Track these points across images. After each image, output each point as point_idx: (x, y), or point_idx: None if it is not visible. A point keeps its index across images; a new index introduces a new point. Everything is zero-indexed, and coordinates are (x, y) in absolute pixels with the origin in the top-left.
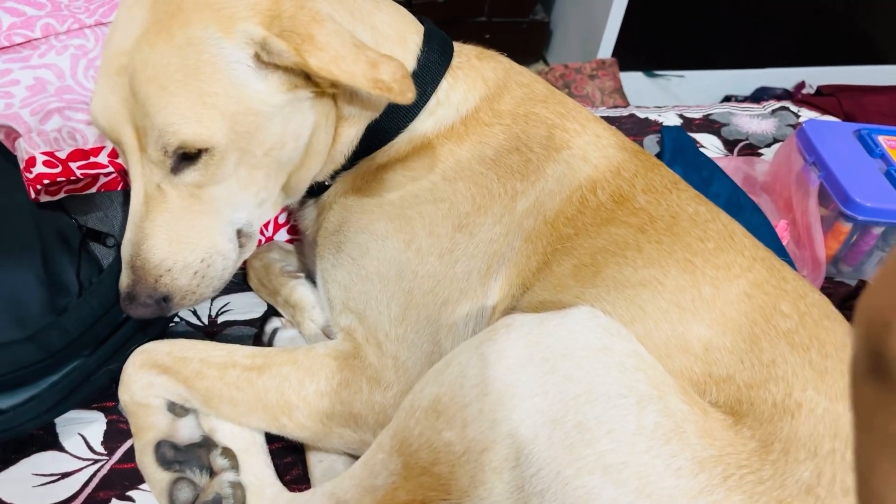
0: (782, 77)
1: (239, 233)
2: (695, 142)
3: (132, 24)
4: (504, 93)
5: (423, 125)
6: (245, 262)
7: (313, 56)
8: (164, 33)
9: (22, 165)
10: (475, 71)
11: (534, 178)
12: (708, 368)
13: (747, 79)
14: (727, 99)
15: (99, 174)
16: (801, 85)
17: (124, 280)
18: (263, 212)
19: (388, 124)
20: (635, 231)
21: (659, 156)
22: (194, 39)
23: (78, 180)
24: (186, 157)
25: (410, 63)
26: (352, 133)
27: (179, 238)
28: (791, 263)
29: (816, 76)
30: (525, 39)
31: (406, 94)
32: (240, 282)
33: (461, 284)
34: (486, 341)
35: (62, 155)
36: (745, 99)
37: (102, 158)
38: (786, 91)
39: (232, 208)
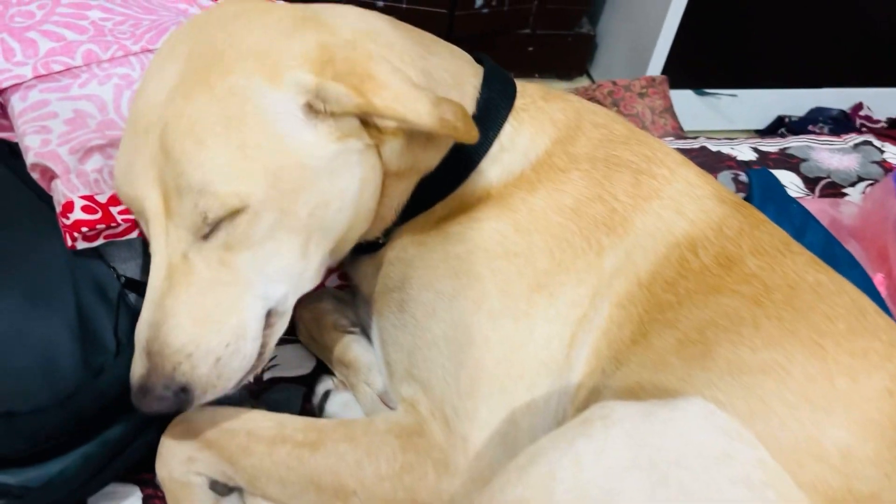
0: (838, 97)
1: (270, 313)
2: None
3: (164, 79)
4: (578, 135)
5: (486, 175)
6: (294, 312)
7: (376, 95)
8: (202, 84)
9: (58, 210)
10: (542, 112)
11: (622, 232)
12: (848, 483)
13: (802, 98)
14: (780, 119)
15: None
16: (859, 106)
17: (137, 369)
18: (303, 284)
19: (444, 176)
20: (749, 303)
21: (746, 200)
22: (237, 89)
23: (118, 225)
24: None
25: (469, 107)
26: (401, 188)
27: (205, 317)
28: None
29: (874, 97)
30: (569, 53)
31: (471, 133)
32: (288, 333)
33: (541, 354)
34: (579, 436)
35: (102, 199)
36: (800, 120)
37: None
38: (842, 112)
39: (266, 279)
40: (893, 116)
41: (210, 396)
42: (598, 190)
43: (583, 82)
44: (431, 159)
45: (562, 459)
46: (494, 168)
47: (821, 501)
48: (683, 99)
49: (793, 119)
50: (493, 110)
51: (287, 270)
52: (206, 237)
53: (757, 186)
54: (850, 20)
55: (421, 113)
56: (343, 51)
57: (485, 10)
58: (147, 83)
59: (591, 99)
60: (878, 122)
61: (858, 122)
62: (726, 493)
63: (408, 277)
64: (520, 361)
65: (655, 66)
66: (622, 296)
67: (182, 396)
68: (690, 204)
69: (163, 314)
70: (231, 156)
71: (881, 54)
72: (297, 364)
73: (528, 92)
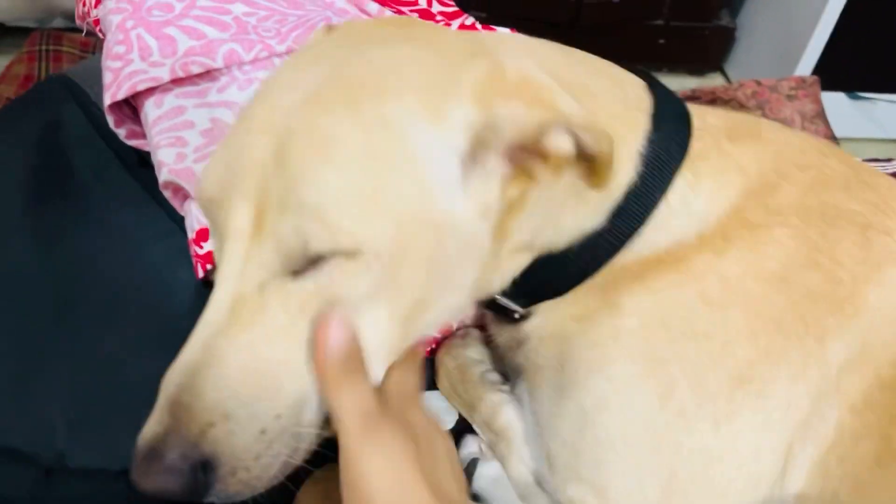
0: None
1: None
2: None
3: (299, 83)
4: (781, 182)
5: (650, 240)
6: (435, 358)
7: (556, 107)
8: (349, 103)
9: (191, 236)
10: (726, 159)
11: (850, 311)
12: None
13: None
14: None
15: None
16: None
17: (150, 426)
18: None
19: (578, 253)
20: None
21: None
22: (392, 122)
23: None
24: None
25: (632, 163)
26: (520, 262)
27: (261, 372)
28: None
29: None
30: (705, 47)
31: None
32: (428, 378)
33: (748, 469)
34: None
35: None
36: None
37: None
38: None
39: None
40: None
41: (235, 487)
42: (814, 253)
43: (716, 80)
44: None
45: None
46: (659, 235)
47: None
48: (832, 102)
49: None
50: (663, 163)
51: (382, 343)
52: (295, 274)
53: None
54: None
55: (600, 137)
56: (516, 76)
57: (616, 0)
58: (276, 83)
59: (731, 100)
60: None
61: None
62: None
63: (568, 357)
64: (721, 477)
65: (806, 65)
66: (856, 399)
67: (200, 476)
68: None
69: (209, 356)
70: (361, 190)
71: None
72: (438, 416)
73: (709, 129)
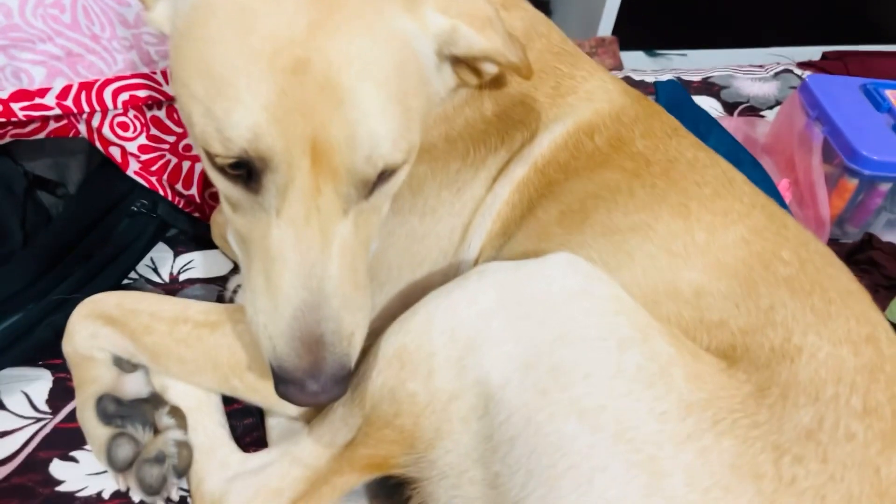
0: (788, 56)
1: None
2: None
3: (287, 11)
4: (529, 45)
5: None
6: (210, 218)
7: (494, 38)
8: (358, 21)
9: None
10: (503, 22)
11: (534, 127)
12: (699, 314)
13: (752, 58)
14: None
15: (48, 118)
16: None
17: (292, 359)
18: None
19: None
20: (629, 176)
21: None
22: (396, 31)
23: (24, 124)
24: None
25: None
26: None
27: (356, 284)
28: None
29: None
30: None
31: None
32: (206, 238)
33: (442, 243)
34: (456, 288)
35: (3, 95)
36: None
37: (49, 100)
38: None
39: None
40: None
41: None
42: (523, 96)
43: None
44: None
45: (438, 307)
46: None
47: (674, 329)
48: (634, 59)
49: None
50: None
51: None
52: (367, 197)
53: (663, 95)
54: None
55: (518, 54)
56: None
57: None
58: (259, 16)
59: None
60: None
61: None
62: (579, 320)
63: None
64: (420, 252)
65: (606, 27)
66: (519, 181)
67: (347, 380)
68: (600, 95)
69: (325, 295)
70: (402, 104)
71: (834, 11)
72: (213, 268)
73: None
